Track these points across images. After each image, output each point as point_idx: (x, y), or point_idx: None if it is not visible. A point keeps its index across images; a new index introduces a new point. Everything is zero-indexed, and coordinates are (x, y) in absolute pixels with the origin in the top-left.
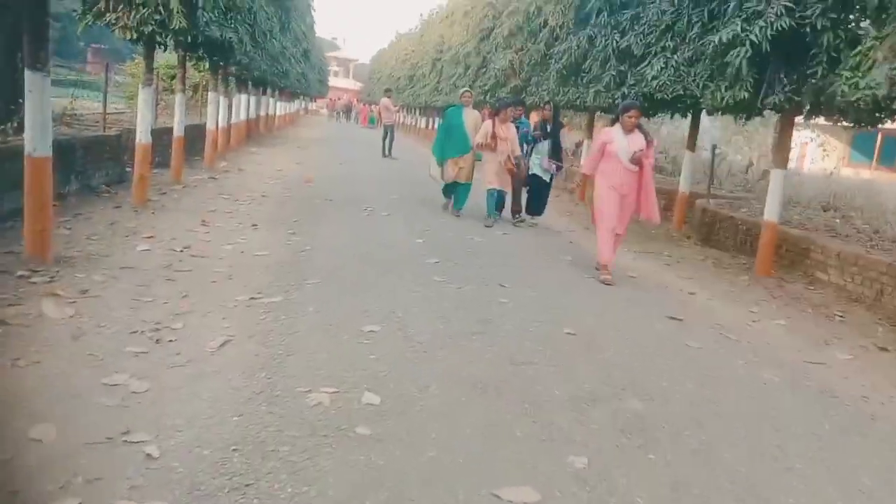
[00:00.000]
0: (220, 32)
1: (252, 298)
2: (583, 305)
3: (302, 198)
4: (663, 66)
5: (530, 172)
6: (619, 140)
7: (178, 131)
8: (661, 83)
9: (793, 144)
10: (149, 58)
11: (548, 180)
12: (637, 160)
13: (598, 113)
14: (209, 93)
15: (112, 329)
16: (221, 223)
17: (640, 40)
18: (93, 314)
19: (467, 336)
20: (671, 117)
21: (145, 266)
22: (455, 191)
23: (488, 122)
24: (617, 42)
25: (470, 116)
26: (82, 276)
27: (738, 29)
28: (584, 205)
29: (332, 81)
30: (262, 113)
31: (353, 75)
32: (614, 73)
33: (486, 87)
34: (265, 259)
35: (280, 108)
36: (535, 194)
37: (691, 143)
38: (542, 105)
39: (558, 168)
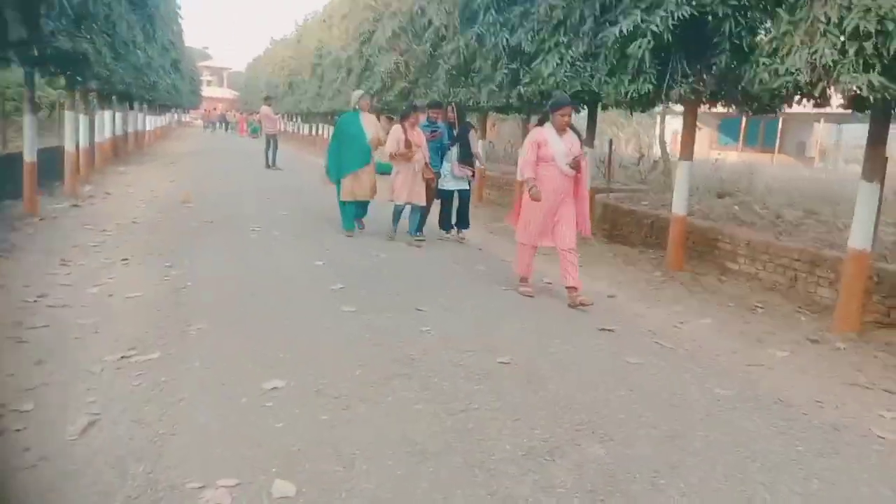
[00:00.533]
0: (71, 44)
1: (123, 357)
2: (510, 325)
3: (179, 221)
4: (558, 62)
5: (439, 187)
6: (554, 142)
7: (28, 156)
8: (557, 80)
9: (665, 132)
10: None
11: (467, 187)
12: (576, 164)
13: (490, 113)
14: (66, 112)
15: None
16: (85, 260)
17: (532, 37)
18: None
19: (391, 382)
20: None
21: None
22: (354, 209)
23: (398, 128)
24: (507, 40)
25: (370, 123)
26: None
27: (639, 19)
28: (482, 206)
29: (206, 91)
30: (131, 129)
31: (228, 84)
32: (507, 72)
33: (372, 91)
34: (138, 301)
35: (150, 122)
36: (460, 207)
37: (590, 139)
38: (443, 106)
39: (473, 174)
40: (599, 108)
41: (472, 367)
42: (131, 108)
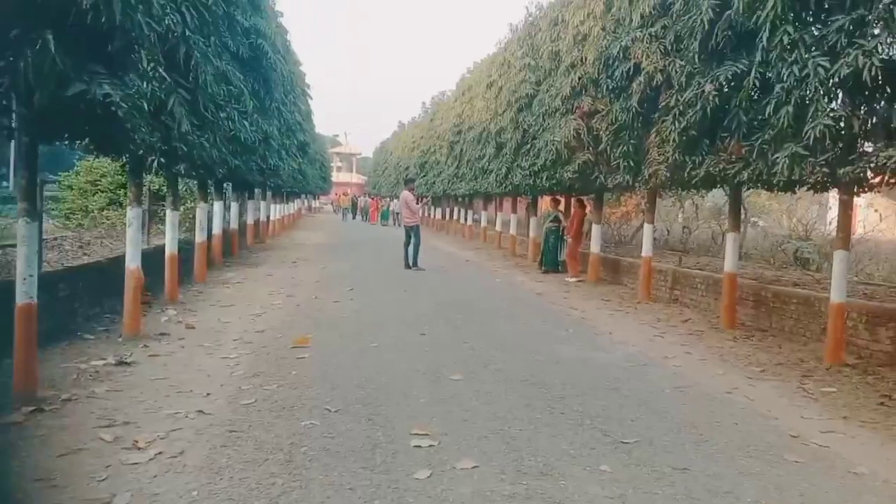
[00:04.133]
0: (88, 86)
1: None
2: None
3: (280, 412)
4: None
5: None
6: None
7: (21, 295)
8: None
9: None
10: None
11: None
12: None
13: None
14: (128, 209)
15: None
16: None
17: None
18: None
19: None
20: None
21: None
22: None
23: None
24: (825, 69)
25: None
26: None
27: None
28: None
29: (336, 177)
30: (250, 220)
31: (357, 169)
32: (830, 121)
33: (536, 168)
34: None
35: (275, 211)
36: None
37: None
38: None
39: None
40: None
41: None
42: (250, 196)
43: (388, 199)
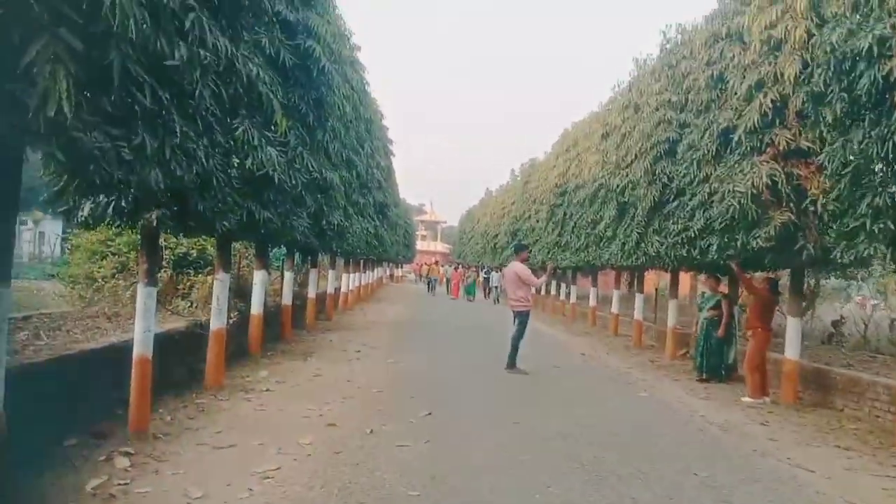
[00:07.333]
0: None
1: None
2: None
3: None
4: None
5: None
6: None
7: None
8: None
9: None
10: None
11: None
12: None
13: None
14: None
15: None
16: None
17: None
18: None
19: None
20: None
21: None
22: None
23: None
24: None
25: None
26: None
27: None
28: None
29: (421, 245)
30: (310, 294)
31: (441, 238)
32: None
33: (692, 234)
34: None
35: (347, 281)
36: None
37: None
38: None
39: None
40: None
41: None
42: (313, 264)
43: (476, 269)
